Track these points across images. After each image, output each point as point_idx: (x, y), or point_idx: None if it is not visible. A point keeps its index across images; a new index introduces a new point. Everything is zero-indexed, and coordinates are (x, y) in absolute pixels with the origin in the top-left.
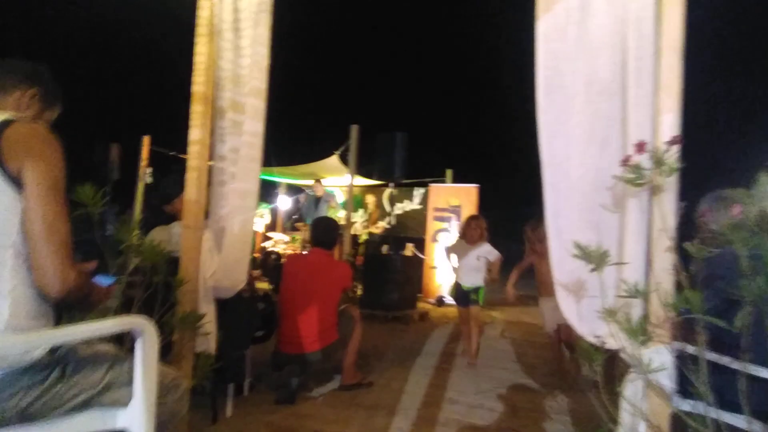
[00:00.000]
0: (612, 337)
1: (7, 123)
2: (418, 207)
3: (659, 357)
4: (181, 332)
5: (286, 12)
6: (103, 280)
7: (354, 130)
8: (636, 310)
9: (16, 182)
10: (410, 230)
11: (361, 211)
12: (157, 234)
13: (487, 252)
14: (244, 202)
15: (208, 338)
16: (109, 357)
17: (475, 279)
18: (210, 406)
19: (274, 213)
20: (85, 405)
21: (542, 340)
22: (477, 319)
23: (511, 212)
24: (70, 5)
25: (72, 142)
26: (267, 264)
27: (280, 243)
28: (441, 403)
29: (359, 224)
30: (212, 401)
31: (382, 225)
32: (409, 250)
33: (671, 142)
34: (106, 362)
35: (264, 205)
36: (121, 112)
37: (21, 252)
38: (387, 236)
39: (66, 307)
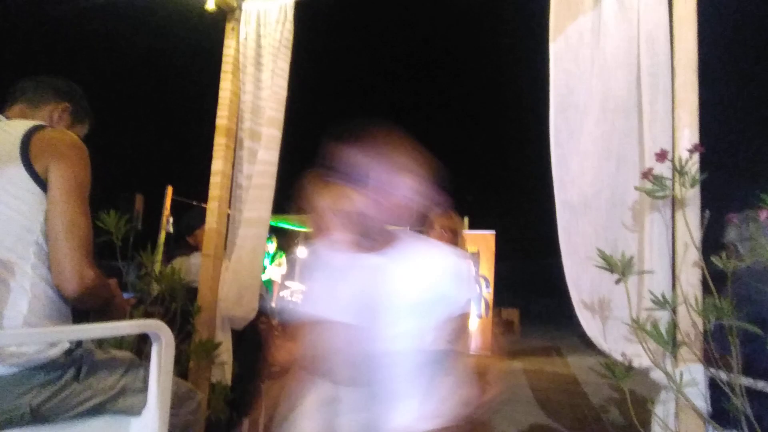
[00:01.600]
0: (639, 356)
1: (38, 127)
2: None
3: (691, 375)
4: (197, 360)
5: (300, 63)
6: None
7: None
8: (663, 325)
9: (42, 183)
10: None
11: None
12: (177, 264)
13: None
14: (255, 230)
15: (224, 368)
16: (124, 362)
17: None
18: None
19: (292, 262)
20: (97, 409)
21: (568, 387)
22: None
23: (531, 263)
24: (94, 57)
25: (98, 191)
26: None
27: (298, 293)
28: None
29: None
30: None
31: None
32: None
33: (692, 150)
34: (121, 367)
35: (281, 254)
36: (143, 162)
37: (43, 251)
38: None
39: (86, 314)
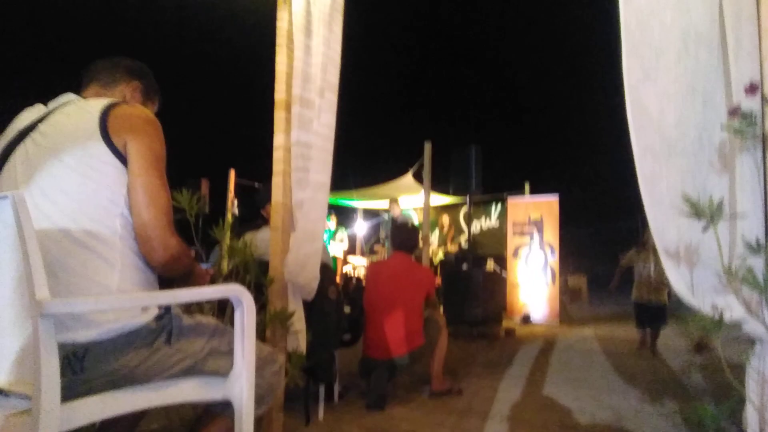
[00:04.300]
0: (731, 308)
1: (114, 104)
2: (496, 224)
3: None
4: (273, 329)
5: (357, 34)
6: (201, 265)
7: (427, 147)
8: (759, 273)
9: (122, 156)
10: (489, 247)
11: (437, 231)
12: (248, 238)
13: None
14: (317, 195)
15: (298, 337)
16: (210, 327)
17: None
18: (302, 409)
19: (352, 238)
20: (188, 371)
21: (644, 351)
22: None
23: (598, 227)
24: (148, 45)
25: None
26: (348, 288)
27: (360, 267)
28: (537, 408)
29: (434, 245)
30: (305, 403)
31: (458, 243)
32: (490, 265)
33: None
34: (207, 331)
35: (342, 229)
36: (205, 147)
37: (129, 222)
38: (465, 255)
39: (170, 285)
